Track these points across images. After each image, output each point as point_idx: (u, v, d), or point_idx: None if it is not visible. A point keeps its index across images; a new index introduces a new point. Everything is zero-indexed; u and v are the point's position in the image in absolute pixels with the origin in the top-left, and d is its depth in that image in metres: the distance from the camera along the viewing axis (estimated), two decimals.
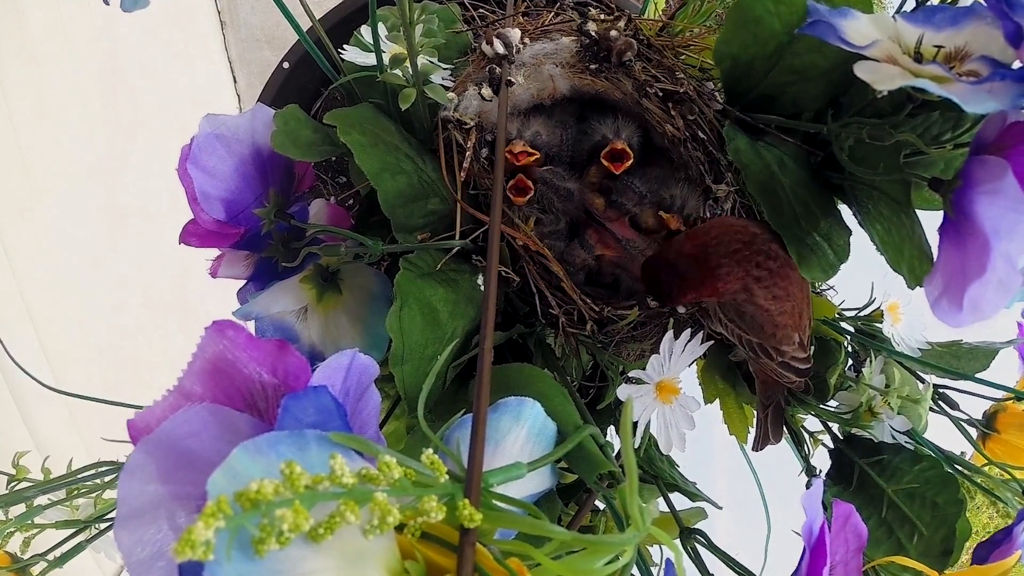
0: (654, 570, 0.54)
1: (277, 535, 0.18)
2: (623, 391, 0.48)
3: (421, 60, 0.48)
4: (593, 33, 0.54)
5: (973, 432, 0.62)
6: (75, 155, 1.02)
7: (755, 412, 0.59)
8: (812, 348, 0.53)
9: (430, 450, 0.23)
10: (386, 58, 0.48)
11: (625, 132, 0.55)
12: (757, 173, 0.47)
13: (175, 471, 0.22)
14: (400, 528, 0.21)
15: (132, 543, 0.22)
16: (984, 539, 0.51)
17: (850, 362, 0.63)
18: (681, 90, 0.53)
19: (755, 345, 0.51)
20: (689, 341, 0.48)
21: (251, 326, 0.48)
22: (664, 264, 0.49)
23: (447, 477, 0.22)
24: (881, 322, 0.59)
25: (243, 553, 0.18)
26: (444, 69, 0.53)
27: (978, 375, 0.58)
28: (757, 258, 0.47)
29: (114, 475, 0.56)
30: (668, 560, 0.42)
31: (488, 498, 0.24)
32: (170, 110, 1.16)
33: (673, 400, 0.49)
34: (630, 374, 0.48)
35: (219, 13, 1.29)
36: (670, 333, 0.48)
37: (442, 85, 0.51)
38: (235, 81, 1.33)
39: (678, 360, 0.48)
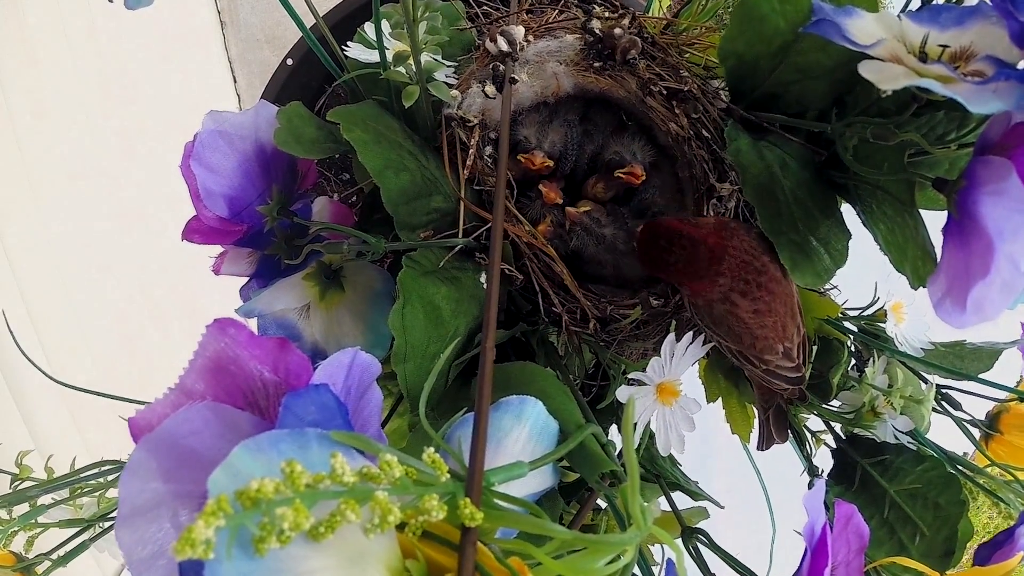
0: (655, 570, 0.53)
1: (278, 534, 0.18)
2: (623, 392, 0.48)
3: (425, 57, 0.47)
4: (597, 31, 0.54)
5: (976, 433, 0.62)
6: (75, 155, 1.02)
7: (756, 414, 0.59)
8: (808, 355, 0.53)
9: (431, 449, 0.22)
10: (390, 55, 0.48)
11: (639, 152, 0.56)
12: (756, 175, 0.47)
13: (176, 469, 0.22)
14: (401, 527, 0.21)
15: (133, 542, 0.22)
16: (986, 540, 0.50)
17: (853, 362, 0.63)
18: (685, 88, 0.53)
19: (735, 352, 0.51)
20: (691, 344, 0.48)
21: (253, 324, 0.48)
22: (685, 236, 0.47)
23: (448, 476, 0.22)
24: (884, 322, 0.59)
25: (244, 552, 0.18)
26: (447, 66, 0.53)
27: (981, 376, 0.58)
28: (747, 274, 0.47)
29: (116, 474, 0.56)
30: (669, 560, 0.42)
31: (489, 497, 0.23)
32: (170, 110, 1.16)
33: (673, 402, 0.49)
34: (630, 376, 0.48)
35: (219, 13, 1.29)
36: (671, 335, 0.48)
37: (446, 83, 0.51)
38: (235, 81, 1.33)
39: (679, 362, 0.48)
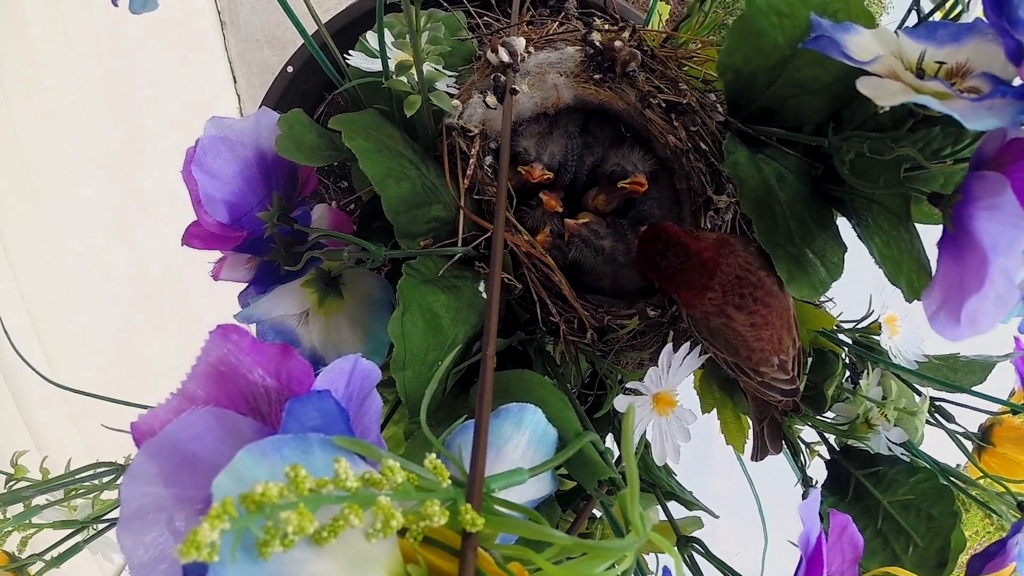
0: None
1: (281, 537, 0.18)
2: (621, 402, 0.48)
3: (426, 67, 0.48)
4: (598, 43, 0.54)
5: (969, 445, 0.62)
6: (75, 155, 1.02)
7: (751, 425, 0.59)
8: (803, 367, 0.53)
9: (433, 455, 0.23)
10: (392, 64, 0.48)
11: (639, 163, 0.56)
12: (753, 188, 0.47)
13: (178, 474, 0.22)
14: (402, 532, 0.21)
15: (134, 545, 0.22)
16: (979, 551, 0.51)
17: (847, 374, 0.64)
18: (684, 101, 0.53)
19: (731, 364, 0.51)
20: (688, 354, 0.48)
21: (252, 329, 0.49)
22: (681, 245, 0.48)
23: (450, 482, 0.22)
24: (879, 334, 0.59)
25: (247, 555, 0.18)
26: (449, 76, 0.54)
27: (974, 388, 0.58)
28: (742, 288, 0.48)
29: (112, 476, 0.56)
30: (665, 568, 0.42)
31: (490, 503, 0.24)
32: (170, 110, 1.16)
33: (670, 412, 0.49)
34: (628, 385, 0.48)
35: (219, 13, 1.29)
36: (669, 346, 0.48)
37: (447, 92, 0.51)
38: (235, 81, 1.33)
39: (676, 373, 0.48)
